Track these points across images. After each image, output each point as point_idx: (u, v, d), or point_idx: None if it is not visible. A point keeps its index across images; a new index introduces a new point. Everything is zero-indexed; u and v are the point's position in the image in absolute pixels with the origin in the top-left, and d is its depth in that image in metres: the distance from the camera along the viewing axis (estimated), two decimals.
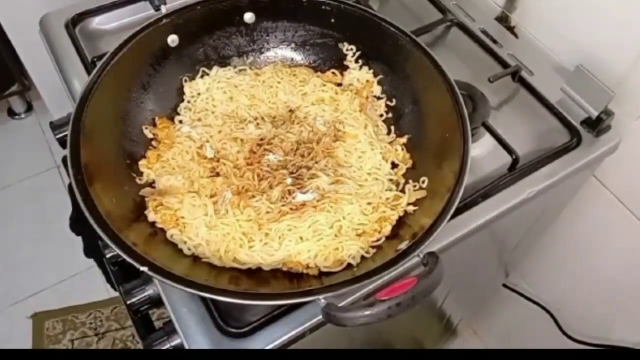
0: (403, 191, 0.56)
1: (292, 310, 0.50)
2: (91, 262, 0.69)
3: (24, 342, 1.28)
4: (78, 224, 0.71)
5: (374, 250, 0.52)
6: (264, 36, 0.66)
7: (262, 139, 0.59)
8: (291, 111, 0.62)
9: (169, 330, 0.51)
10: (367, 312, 0.42)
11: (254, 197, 0.54)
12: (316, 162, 0.57)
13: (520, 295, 0.98)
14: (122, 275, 0.58)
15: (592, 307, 0.88)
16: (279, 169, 0.57)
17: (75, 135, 0.50)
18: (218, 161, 0.57)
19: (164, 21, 0.60)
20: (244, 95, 0.63)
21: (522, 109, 0.68)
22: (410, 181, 0.57)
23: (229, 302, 0.43)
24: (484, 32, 0.75)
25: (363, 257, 0.51)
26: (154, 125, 0.60)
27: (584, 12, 0.66)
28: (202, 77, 0.64)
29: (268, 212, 0.53)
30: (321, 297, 0.44)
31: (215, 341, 0.49)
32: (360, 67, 0.65)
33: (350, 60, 0.65)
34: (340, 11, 0.63)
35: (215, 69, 0.65)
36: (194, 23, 0.62)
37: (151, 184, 0.56)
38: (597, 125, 0.64)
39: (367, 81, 0.64)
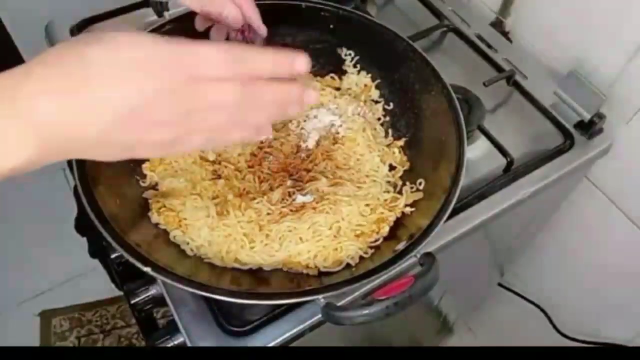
0: (400, 193, 0.57)
1: (292, 309, 0.51)
2: (96, 262, 0.70)
3: (32, 339, 1.30)
4: (83, 225, 0.72)
5: (372, 251, 0.52)
6: (264, 41, 0.67)
7: (262, 142, 0.60)
8: None
9: (172, 328, 0.52)
10: (365, 311, 0.43)
11: (254, 198, 0.55)
12: (315, 165, 0.59)
13: (515, 293, 1.00)
14: (126, 275, 0.59)
15: (586, 305, 0.89)
16: (279, 171, 0.58)
17: None
18: (219, 164, 0.58)
19: (167, 27, 0.61)
20: None
21: (516, 112, 0.69)
22: (407, 183, 0.58)
23: (230, 301, 0.44)
24: (479, 37, 0.76)
25: (361, 257, 0.52)
26: None
27: (576, 18, 0.68)
28: None
29: (268, 214, 0.54)
30: (320, 296, 0.45)
31: (217, 339, 0.50)
32: (358, 72, 0.66)
33: (348, 65, 0.66)
34: (338, 17, 0.64)
35: None
36: (195, 29, 0.63)
37: (154, 186, 0.57)
38: (589, 128, 0.65)
39: (365, 85, 0.65)
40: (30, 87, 0.29)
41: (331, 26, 0.65)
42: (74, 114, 0.30)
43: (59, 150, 0.32)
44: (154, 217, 0.54)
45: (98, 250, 0.69)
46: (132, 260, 0.45)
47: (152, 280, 0.54)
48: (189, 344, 0.50)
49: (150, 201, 0.55)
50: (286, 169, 0.58)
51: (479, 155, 0.64)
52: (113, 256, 0.55)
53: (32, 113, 0.29)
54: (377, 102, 0.65)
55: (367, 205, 0.55)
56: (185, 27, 0.62)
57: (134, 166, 0.57)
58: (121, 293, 0.57)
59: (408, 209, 0.55)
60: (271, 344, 0.50)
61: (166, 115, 0.32)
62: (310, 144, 0.60)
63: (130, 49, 0.31)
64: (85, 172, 0.50)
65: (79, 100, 0.30)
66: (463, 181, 0.51)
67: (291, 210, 0.54)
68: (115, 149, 0.33)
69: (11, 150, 0.30)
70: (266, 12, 0.65)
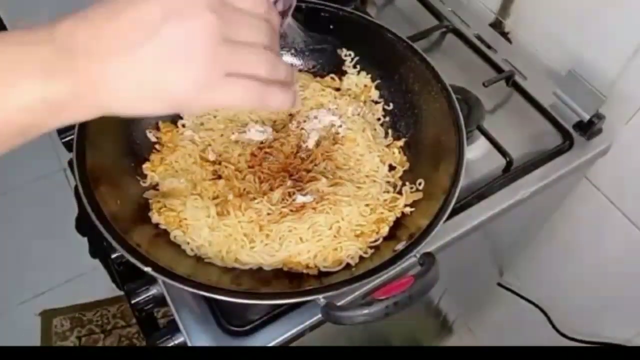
0: (400, 193, 0.57)
1: (292, 309, 0.52)
2: (97, 262, 0.70)
3: (33, 339, 1.30)
4: (83, 225, 0.72)
5: (372, 251, 0.53)
6: None
7: (262, 142, 0.60)
8: (291, 115, 0.64)
9: (172, 328, 0.52)
10: (365, 311, 0.43)
11: (254, 198, 0.55)
12: (315, 165, 0.59)
13: (515, 293, 1.00)
14: (126, 275, 0.59)
15: (585, 305, 0.89)
16: (279, 171, 0.58)
17: (80, 138, 0.52)
18: (220, 164, 0.58)
19: None
20: None
21: (515, 112, 0.69)
22: (407, 183, 0.58)
23: (230, 301, 0.44)
24: (479, 38, 0.76)
25: (361, 257, 0.52)
26: (158, 129, 0.61)
27: (575, 18, 0.68)
28: None
29: (269, 214, 0.54)
30: (320, 296, 0.45)
31: (217, 339, 0.50)
32: (358, 72, 0.66)
33: (348, 65, 0.66)
34: (338, 17, 0.64)
35: None
36: None
37: (155, 186, 0.57)
38: (589, 128, 0.66)
39: (365, 85, 0.66)
40: (66, 22, 0.30)
41: (331, 27, 0.65)
42: (111, 41, 0.30)
43: (99, 85, 0.31)
44: (155, 217, 0.54)
45: (99, 250, 0.70)
46: (132, 260, 0.45)
47: (152, 280, 0.54)
48: (189, 344, 0.51)
49: (150, 201, 0.55)
50: (286, 169, 0.58)
51: (478, 156, 0.65)
52: (114, 256, 0.55)
53: (69, 41, 0.30)
54: (377, 102, 0.65)
55: (367, 205, 0.55)
56: None
57: (134, 166, 0.57)
58: (122, 293, 0.58)
59: (408, 209, 0.55)
60: (271, 344, 0.50)
61: (208, 38, 0.31)
62: (310, 144, 0.60)
63: None
64: (86, 172, 0.50)
65: (113, 26, 0.30)
66: (462, 181, 0.51)
67: (291, 211, 0.55)
68: (149, 89, 0.32)
69: (52, 75, 0.30)
70: None
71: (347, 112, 0.63)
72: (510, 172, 0.62)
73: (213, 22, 0.31)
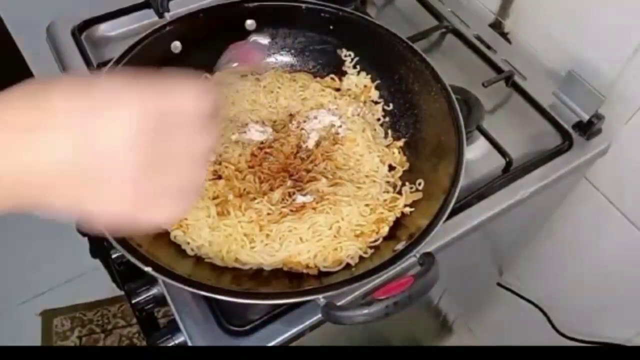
0: (400, 193, 0.57)
1: (292, 309, 0.52)
2: (97, 262, 0.70)
3: (33, 339, 1.30)
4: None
5: (372, 251, 0.53)
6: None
7: (262, 143, 0.61)
8: (291, 115, 0.64)
9: (173, 328, 0.52)
10: (365, 311, 0.43)
11: (255, 198, 0.55)
12: (315, 165, 0.59)
13: (515, 293, 1.00)
14: (127, 274, 0.59)
15: (584, 305, 0.89)
16: (279, 171, 0.58)
17: None
18: (220, 164, 0.58)
19: (168, 28, 0.61)
20: (245, 100, 0.64)
21: (515, 112, 0.69)
22: (407, 183, 0.58)
23: (230, 301, 0.44)
24: (478, 38, 0.76)
25: (361, 257, 0.52)
26: None
27: (575, 18, 0.68)
28: None
29: (269, 214, 0.54)
30: (320, 296, 0.45)
31: (217, 339, 0.50)
32: (358, 72, 0.66)
33: (348, 66, 0.66)
34: (338, 18, 0.64)
35: (217, 74, 0.66)
36: (196, 30, 0.63)
37: None
38: (588, 128, 0.66)
39: (365, 86, 0.66)
40: None
41: (331, 27, 0.65)
42: (32, 144, 0.27)
43: (14, 192, 0.30)
44: None
45: (99, 250, 0.70)
46: (133, 260, 0.45)
47: (153, 280, 0.54)
48: (189, 344, 0.51)
49: None
50: (286, 169, 0.59)
51: (478, 156, 0.65)
52: (114, 256, 0.55)
53: None
54: (376, 102, 0.65)
55: (367, 205, 0.55)
56: (186, 27, 0.63)
57: None
58: (122, 293, 0.58)
59: (407, 209, 0.56)
60: (271, 344, 0.50)
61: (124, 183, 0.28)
62: (310, 144, 0.60)
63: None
64: None
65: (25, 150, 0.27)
66: (462, 181, 0.51)
67: (291, 211, 0.55)
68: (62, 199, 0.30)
69: None
70: (267, 14, 0.66)
71: (347, 112, 0.63)
72: (510, 172, 0.62)
73: (131, 165, 0.28)
